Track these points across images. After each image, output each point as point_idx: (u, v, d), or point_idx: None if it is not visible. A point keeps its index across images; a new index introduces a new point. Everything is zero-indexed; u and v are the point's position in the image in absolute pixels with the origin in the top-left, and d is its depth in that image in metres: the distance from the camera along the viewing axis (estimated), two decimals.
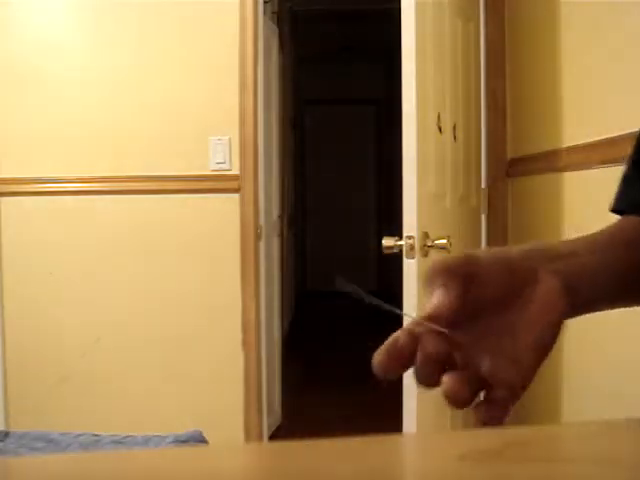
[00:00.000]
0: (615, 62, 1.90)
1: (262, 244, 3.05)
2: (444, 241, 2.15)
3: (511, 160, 2.82)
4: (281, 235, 3.97)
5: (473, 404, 0.49)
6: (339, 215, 8.23)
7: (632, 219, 0.63)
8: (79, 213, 2.99)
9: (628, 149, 0.68)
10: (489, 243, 2.87)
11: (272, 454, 0.37)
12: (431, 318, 0.50)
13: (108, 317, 2.98)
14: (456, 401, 0.48)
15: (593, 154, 2.01)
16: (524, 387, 0.50)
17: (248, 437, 2.93)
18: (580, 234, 0.61)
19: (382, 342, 0.51)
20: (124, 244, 2.98)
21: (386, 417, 3.58)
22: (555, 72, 2.34)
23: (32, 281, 3.00)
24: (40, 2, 2.99)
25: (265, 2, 3.20)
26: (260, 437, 2.97)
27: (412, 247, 2.04)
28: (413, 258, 2.05)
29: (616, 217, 0.66)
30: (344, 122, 8.19)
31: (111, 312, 2.99)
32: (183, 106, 2.96)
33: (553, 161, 2.35)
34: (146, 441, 2.04)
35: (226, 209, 2.95)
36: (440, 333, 0.50)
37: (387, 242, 2.09)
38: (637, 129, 0.69)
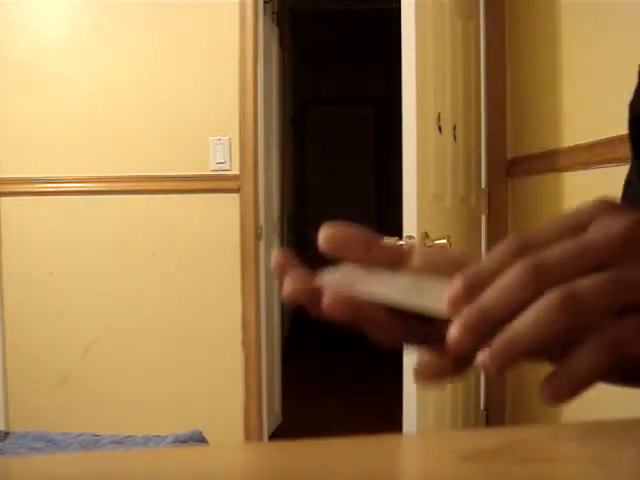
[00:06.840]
0: (615, 62, 1.90)
1: (262, 244, 3.05)
2: (444, 241, 2.16)
3: (511, 160, 2.82)
4: (281, 235, 3.97)
5: None
6: (339, 215, 8.17)
7: None
8: (79, 213, 2.99)
9: (628, 149, 0.68)
10: (489, 243, 2.87)
11: (272, 454, 0.37)
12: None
13: (108, 317, 2.98)
14: None
15: (593, 154, 2.01)
16: None
17: (248, 437, 2.93)
18: None
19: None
20: (124, 244, 2.98)
21: (386, 417, 3.59)
22: (555, 72, 2.34)
23: (32, 281, 3.00)
24: (40, 2, 3.00)
25: (265, 2, 3.20)
26: (260, 437, 2.97)
27: None
28: None
29: None
30: (344, 122, 8.18)
31: (111, 312, 2.99)
32: (183, 106, 2.96)
33: (553, 161, 2.35)
34: (146, 441, 2.04)
35: (226, 209, 2.95)
36: None
37: None
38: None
